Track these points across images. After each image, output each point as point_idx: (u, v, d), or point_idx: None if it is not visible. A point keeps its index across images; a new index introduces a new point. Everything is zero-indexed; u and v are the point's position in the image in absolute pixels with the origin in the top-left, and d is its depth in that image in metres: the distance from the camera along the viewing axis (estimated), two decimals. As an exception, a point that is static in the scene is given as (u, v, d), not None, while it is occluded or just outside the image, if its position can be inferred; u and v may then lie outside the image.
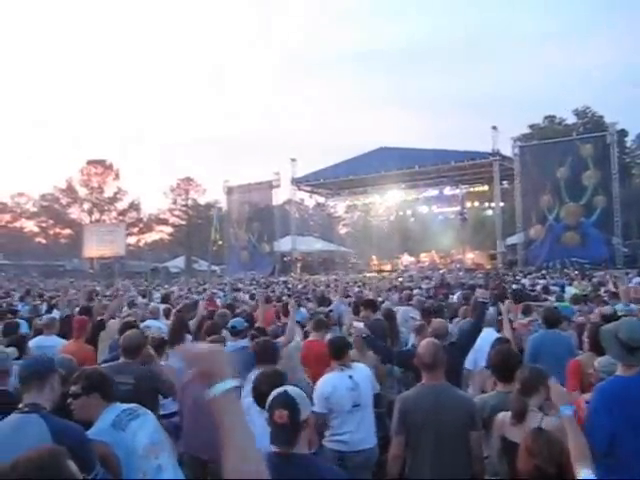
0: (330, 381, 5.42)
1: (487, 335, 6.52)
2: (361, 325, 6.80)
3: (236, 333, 6.95)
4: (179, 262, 66.91)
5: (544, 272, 27.11)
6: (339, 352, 5.61)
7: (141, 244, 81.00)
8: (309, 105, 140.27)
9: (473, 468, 4.21)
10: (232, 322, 7.85)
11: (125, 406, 3.77)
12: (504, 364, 4.58)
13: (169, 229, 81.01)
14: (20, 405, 3.35)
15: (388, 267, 42.69)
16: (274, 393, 3.05)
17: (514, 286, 17.12)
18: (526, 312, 8.58)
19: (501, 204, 38.64)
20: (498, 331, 6.99)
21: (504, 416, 4.02)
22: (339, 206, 55.38)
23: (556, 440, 2.95)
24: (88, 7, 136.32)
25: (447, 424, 4.21)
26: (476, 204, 42.83)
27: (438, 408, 4.26)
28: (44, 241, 78.26)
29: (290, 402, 2.95)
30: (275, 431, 2.96)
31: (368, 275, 34.53)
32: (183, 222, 77.66)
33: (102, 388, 3.76)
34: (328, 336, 7.08)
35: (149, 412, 3.87)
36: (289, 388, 3.06)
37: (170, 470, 3.61)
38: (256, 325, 7.75)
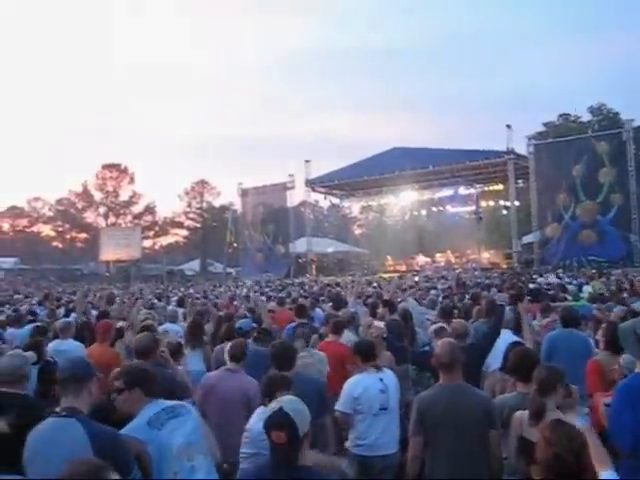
0: (361, 382, 5.43)
1: (504, 337, 6.50)
2: (381, 325, 6.81)
3: (242, 334, 6.97)
4: (194, 265, 67.12)
5: (560, 271, 26.97)
6: (370, 353, 5.62)
7: (157, 247, 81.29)
8: (323, 105, 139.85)
9: (491, 468, 4.20)
10: (239, 323, 7.90)
11: (168, 403, 3.78)
12: (523, 364, 4.56)
13: (184, 232, 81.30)
14: (57, 409, 3.37)
15: (403, 267, 42.59)
16: (270, 412, 3.01)
17: (531, 285, 17.06)
18: (545, 312, 8.55)
19: (516, 203, 38.43)
20: (515, 333, 6.95)
21: (522, 415, 4.02)
22: (354, 207, 55.39)
23: (576, 431, 2.93)
24: (102, 9, 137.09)
25: (465, 424, 4.20)
26: (491, 203, 42.65)
27: (456, 408, 4.26)
28: (61, 245, 78.74)
29: (287, 421, 2.88)
30: (274, 451, 2.90)
31: (384, 275, 34.46)
32: (198, 225, 77.90)
33: (144, 383, 3.79)
34: (346, 337, 7.11)
35: (192, 411, 3.89)
36: (285, 404, 2.99)
37: (203, 472, 3.61)
38: (262, 326, 7.75)
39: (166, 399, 3.81)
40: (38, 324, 8.24)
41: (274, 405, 3.03)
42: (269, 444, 2.91)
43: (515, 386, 4.66)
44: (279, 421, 2.88)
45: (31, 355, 5.13)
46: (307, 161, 44.63)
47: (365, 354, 5.62)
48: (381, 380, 5.45)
